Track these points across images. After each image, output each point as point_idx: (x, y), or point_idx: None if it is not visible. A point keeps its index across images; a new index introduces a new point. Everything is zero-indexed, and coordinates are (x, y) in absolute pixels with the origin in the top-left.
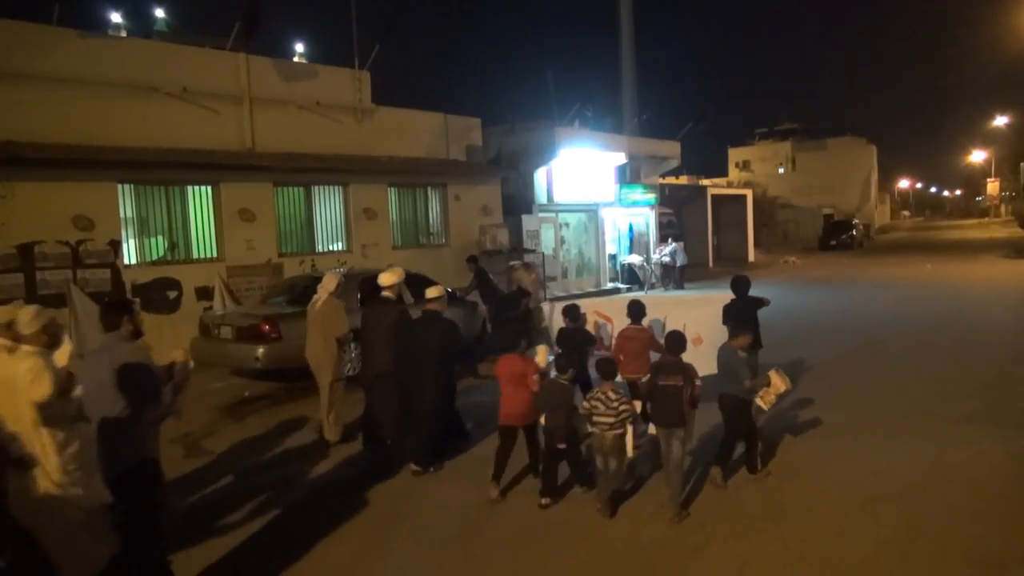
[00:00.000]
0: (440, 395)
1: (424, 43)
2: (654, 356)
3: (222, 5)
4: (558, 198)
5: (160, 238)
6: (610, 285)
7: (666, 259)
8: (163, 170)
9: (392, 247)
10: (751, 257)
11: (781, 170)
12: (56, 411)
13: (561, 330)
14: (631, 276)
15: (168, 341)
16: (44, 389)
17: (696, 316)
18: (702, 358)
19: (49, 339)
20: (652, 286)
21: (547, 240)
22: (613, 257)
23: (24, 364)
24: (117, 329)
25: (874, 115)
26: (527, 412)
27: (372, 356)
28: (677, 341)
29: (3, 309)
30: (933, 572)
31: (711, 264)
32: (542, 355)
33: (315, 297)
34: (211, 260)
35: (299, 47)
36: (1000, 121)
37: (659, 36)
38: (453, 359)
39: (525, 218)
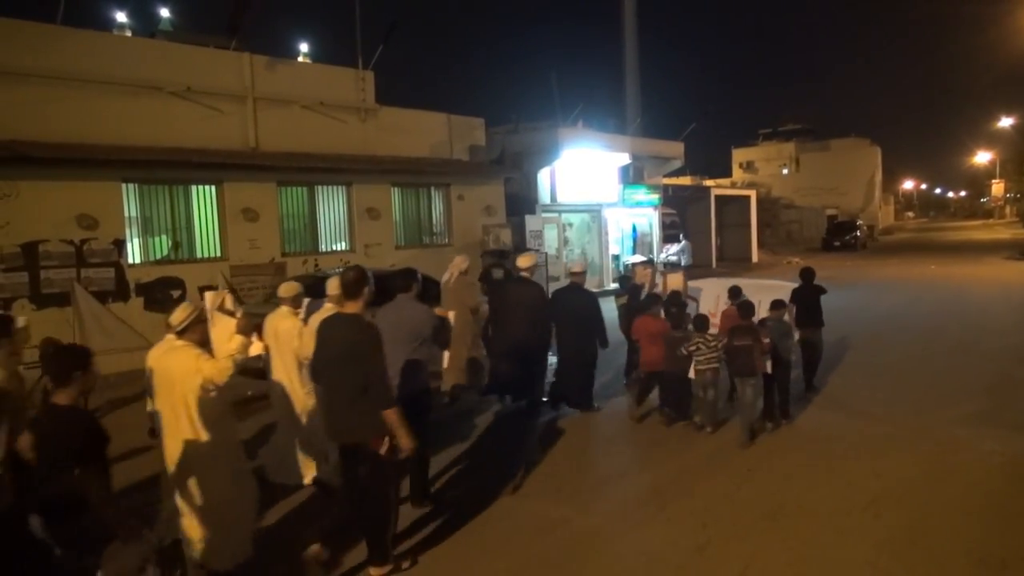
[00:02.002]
0: (588, 352)
1: (428, 43)
2: None
3: (226, 5)
4: (561, 198)
5: (164, 237)
6: (613, 285)
7: (673, 258)
8: (167, 169)
9: (395, 247)
10: (755, 258)
11: (785, 171)
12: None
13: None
14: None
15: None
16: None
17: (767, 295)
18: None
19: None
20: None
21: (550, 240)
22: (616, 257)
23: (285, 323)
24: (408, 291)
25: (878, 116)
26: (661, 360)
27: (505, 327)
28: (748, 308)
29: (290, 284)
30: (935, 573)
31: (714, 265)
32: None
33: (447, 276)
34: (214, 259)
35: (303, 47)
36: (1005, 122)
37: (663, 37)
38: (595, 324)
39: (528, 218)
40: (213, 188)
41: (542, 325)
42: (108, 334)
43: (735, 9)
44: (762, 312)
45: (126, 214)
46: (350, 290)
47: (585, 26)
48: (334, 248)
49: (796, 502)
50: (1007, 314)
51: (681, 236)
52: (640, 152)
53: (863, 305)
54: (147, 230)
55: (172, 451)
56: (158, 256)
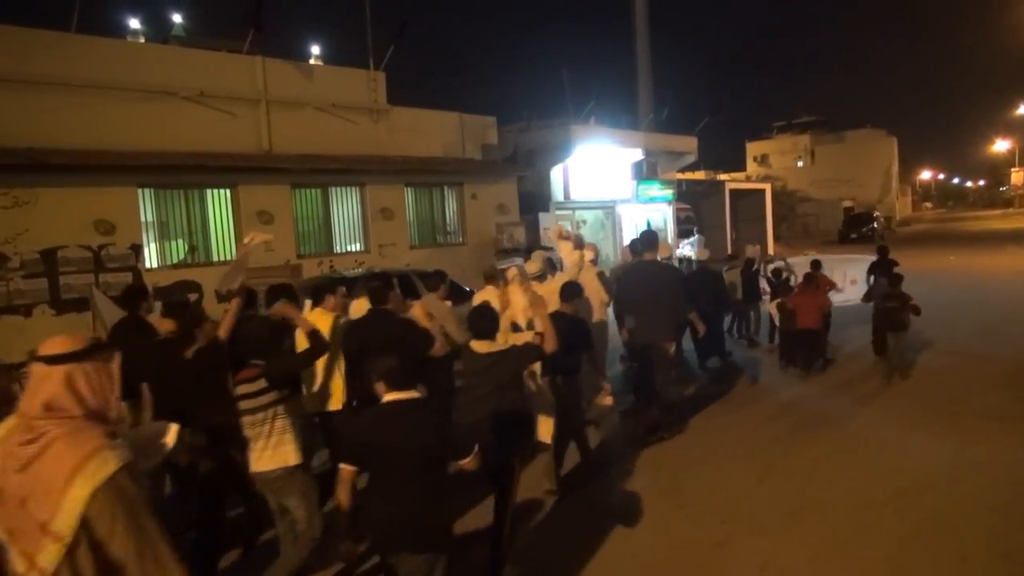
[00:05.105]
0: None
1: (439, 43)
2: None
3: (238, 9)
4: (575, 195)
5: (180, 241)
6: None
7: (688, 252)
8: (182, 174)
9: (409, 247)
10: (771, 251)
11: (800, 163)
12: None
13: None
14: None
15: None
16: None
17: (852, 266)
18: (855, 292)
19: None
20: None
21: None
22: None
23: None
24: (655, 254)
25: (894, 105)
26: (815, 320)
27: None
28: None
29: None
30: (957, 567)
31: None
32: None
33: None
34: (230, 262)
35: (314, 49)
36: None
37: (674, 31)
38: (722, 300)
39: (542, 216)
40: (228, 191)
41: (718, 298)
42: None
43: (747, 2)
44: (844, 282)
45: (142, 219)
46: (651, 244)
47: (596, 22)
48: (349, 249)
49: (816, 497)
50: None
51: (695, 230)
52: (653, 147)
53: None
54: (163, 234)
55: None
56: (175, 260)
